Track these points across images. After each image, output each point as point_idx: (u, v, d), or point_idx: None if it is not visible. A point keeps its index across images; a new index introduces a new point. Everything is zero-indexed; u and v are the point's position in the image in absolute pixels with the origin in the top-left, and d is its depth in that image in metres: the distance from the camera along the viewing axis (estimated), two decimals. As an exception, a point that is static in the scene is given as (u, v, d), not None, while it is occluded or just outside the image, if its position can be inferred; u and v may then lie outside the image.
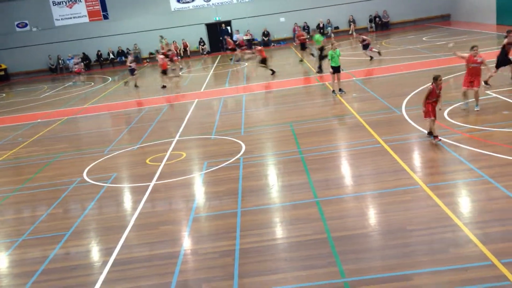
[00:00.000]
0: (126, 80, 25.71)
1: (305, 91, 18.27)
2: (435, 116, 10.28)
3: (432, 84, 10.10)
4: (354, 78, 18.84)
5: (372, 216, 7.76)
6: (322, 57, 21.21)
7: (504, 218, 6.92)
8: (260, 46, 26.15)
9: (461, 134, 10.66)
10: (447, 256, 6.19)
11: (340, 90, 16.40)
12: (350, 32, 35.24)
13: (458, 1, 34.35)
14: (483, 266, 5.86)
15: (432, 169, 9.23)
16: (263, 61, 23.38)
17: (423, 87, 15.56)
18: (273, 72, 22.89)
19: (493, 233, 6.60)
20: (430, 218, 7.23)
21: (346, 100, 15.56)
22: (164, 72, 23.49)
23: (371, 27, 36.07)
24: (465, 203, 7.76)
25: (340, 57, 16.40)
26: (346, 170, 9.95)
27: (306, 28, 36.19)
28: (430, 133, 10.50)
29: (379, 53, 23.03)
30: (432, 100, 10.23)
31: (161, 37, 31.72)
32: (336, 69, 16.23)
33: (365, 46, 22.70)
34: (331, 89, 16.73)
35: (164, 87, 22.91)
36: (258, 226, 7.80)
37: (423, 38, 28.08)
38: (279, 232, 7.60)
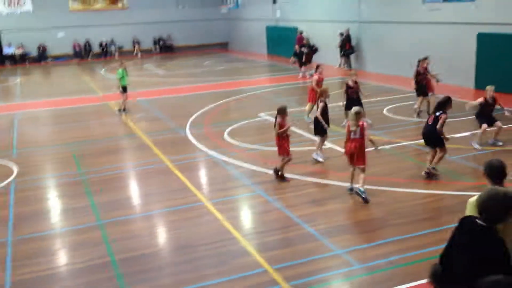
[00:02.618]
0: None
1: (88, 111, 17.50)
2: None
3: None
4: (138, 99, 18.78)
5: (159, 234, 7.80)
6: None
7: (275, 228, 7.68)
8: None
9: (239, 153, 11.50)
10: (229, 267, 6.56)
11: (124, 110, 16.19)
12: (134, 53, 35.16)
13: (235, 32, 37.34)
14: (258, 273, 6.38)
15: (214, 186, 9.73)
16: None
17: (206, 108, 16.40)
18: None
19: (266, 242, 7.24)
20: (213, 232, 7.59)
21: (130, 119, 15.41)
22: None
23: (156, 49, 36.62)
24: (242, 216, 8.39)
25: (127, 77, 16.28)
26: (131, 190, 9.81)
27: (88, 46, 34.80)
28: None
29: None
30: None
31: None
32: (125, 88, 16.02)
33: None
34: (119, 108, 16.36)
35: None
36: (34, 255, 7.10)
37: (204, 63, 29.67)
38: (60, 259, 7.06)
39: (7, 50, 32.89)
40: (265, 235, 7.47)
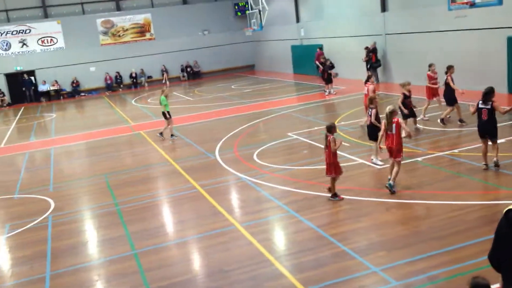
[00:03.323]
0: None
1: (120, 141, 17.84)
2: None
3: None
4: (166, 127, 18.99)
5: (192, 261, 7.81)
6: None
7: (308, 248, 7.56)
8: None
9: (269, 174, 11.47)
10: (262, 291, 6.49)
11: (161, 134, 16.60)
12: (163, 81, 35.86)
13: (260, 53, 37.67)
14: (293, 295, 6.29)
15: (245, 209, 9.70)
16: None
17: (234, 131, 16.49)
18: None
19: (300, 263, 7.14)
20: (246, 256, 7.54)
21: (161, 147, 15.62)
22: None
23: (184, 76, 37.24)
24: (275, 238, 8.30)
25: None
26: (164, 218, 9.88)
27: (118, 78, 35.72)
28: None
29: None
30: None
31: None
32: (169, 114, 16.42)
33: None
34: (171, 133, 16.67)
35: None
36: (71, 288, 7.21)
37: (232, 86, 29.94)
38: (95, 291, 7.14)
39: (42, 88, 34.07)
40: (299, 256, 7.36)
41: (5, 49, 33.38)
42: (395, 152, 9.30)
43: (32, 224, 10.00)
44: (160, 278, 7.15)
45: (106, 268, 7.81)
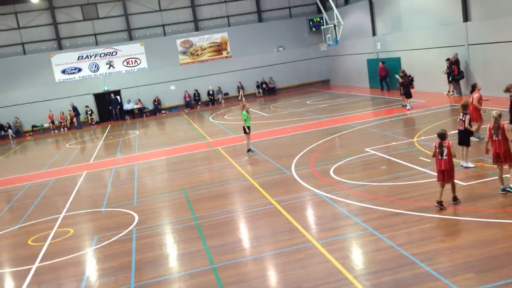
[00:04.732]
0: None
1: (198, 157, 18.36)
2: None
3: None
4: (245, 142, 19.30)
5: (269, 277, 7.81)
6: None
7: (388, 268, 7.32)
8: None
9: (346, 190, 11.28)
10: (341, 310, 6.36)
11: (249, 150, 16.93)
12: (239, 98, 36.58)
13: (335, 68, 37.40)
14: (374, 316, 6.10)
15: (322, 225, 9.59)
16: None
17: (310, 147, 16.43)
18: None
19: (379, 283, 6.93)
20: (323, 274, 7.44)
21: (238, 163, 15.87)
22: None
23: (259, 92, 37.77)
24: (353, 256, 8.11)
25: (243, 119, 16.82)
26: (241, 233, 9.99)
27: (197, 96, 36.89)
28: None
29: None
30: None
31: None
32: (249, 129, 16.81)
33: None
34: (248, 148, 17.04)
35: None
36: (153, 300, 7.46)
37: (307, 102, 29.90)
38: (176, 304, 7.33)
39: (126, 106, 35.95)
40: (378, 276, 7.15)
41: (94, 70, 35.65)
42: (504, 157, 9.26)
43: (118, 236, 10.51)
44: (238, 293, 7.23)
45: (187, 281, 8.01)
